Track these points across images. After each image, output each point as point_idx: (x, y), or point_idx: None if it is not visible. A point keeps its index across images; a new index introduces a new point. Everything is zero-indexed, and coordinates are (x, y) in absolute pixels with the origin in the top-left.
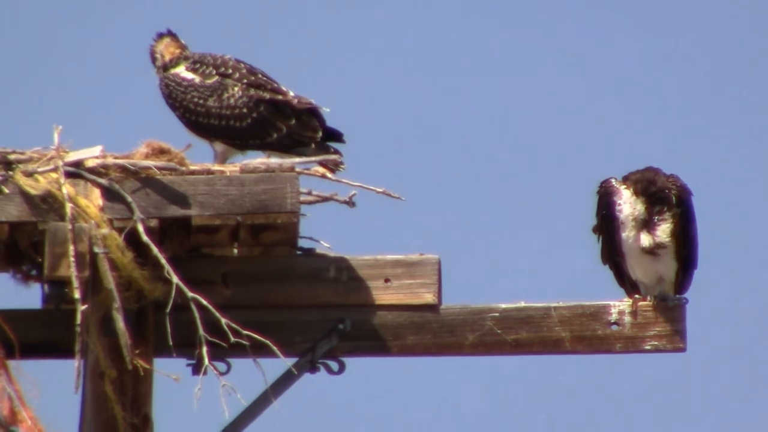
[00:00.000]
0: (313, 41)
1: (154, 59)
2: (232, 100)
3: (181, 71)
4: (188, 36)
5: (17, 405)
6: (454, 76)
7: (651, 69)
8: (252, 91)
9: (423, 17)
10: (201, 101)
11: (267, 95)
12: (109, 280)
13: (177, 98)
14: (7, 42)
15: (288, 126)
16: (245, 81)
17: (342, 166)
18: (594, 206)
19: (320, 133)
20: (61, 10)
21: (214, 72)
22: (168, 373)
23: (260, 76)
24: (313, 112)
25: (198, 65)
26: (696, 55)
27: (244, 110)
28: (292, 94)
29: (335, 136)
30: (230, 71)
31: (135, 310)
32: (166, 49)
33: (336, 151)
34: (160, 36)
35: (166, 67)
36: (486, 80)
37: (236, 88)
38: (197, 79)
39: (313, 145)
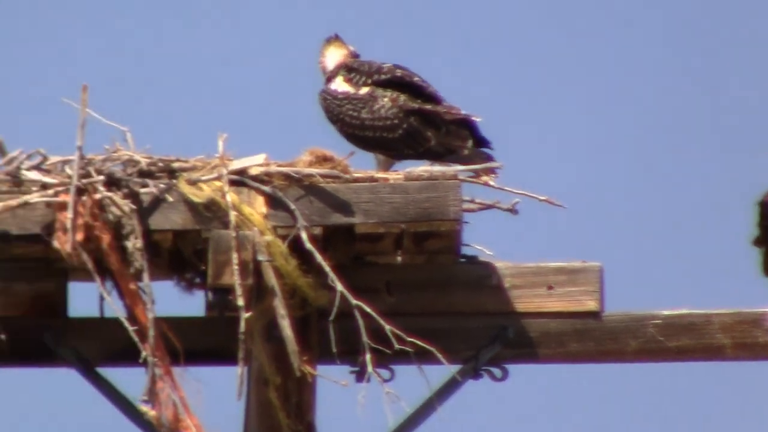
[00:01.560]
0: (464, 44)
1: (320, 66)
2: (383, 111)
3: (339, 83)
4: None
5: (181, 411)
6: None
7: None
8: (402, 101)
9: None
10: (356, 113)
11: (416, 105)
12: (275, 288)
13: (334, 112)
14: (176, 46)
15: (438, 136)
16: (396, 87)
17: (496, 173)
18: (755, 217)
19: (470, 142)
20: (231, 18)
21: (368, 80)
22: (336, 379)
23: (416, 80)
24: (463, 122)
25: (353, 74)
26: None
27: (395, 121)
28: (444, 103)
29: (484, 144)
30: (383, 77)
31: (299, 318)
32: (332, 56)
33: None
34: (328, 41)
35: (329, 78)
36: (643, 83)
37: (386, 99)
38: (351, 90)
39: (465, 152)
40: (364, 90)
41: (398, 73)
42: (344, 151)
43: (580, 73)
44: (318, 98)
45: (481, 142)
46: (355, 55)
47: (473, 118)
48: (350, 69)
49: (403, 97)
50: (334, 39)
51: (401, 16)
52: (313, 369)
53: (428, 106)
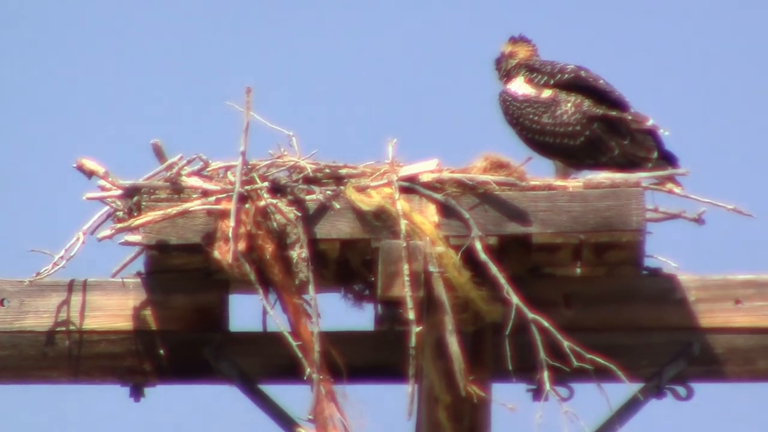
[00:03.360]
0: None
1: (498, 66)
2: (565, 117)
3: (519, 85)
4: None
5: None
6: None
7: None
8: (586, 107)
9: None
10: (536, 118)
11: (600, 111)
12: (445, 301)
13: (514, 115)
14: (342, 49)
15: (621, 146)
16: (580, 90)
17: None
18: None
19: (656, 154)
20: (400, 19)
21: (551, 81)
22: (503, 403)
23: (601, 83)
24: (649, 133)
25: (535, 74)
26: None
27: (578, 128)
28: (631, 111)
29: (670, 160)
30: (566, 76)
31: (471, 333)
32: (515, 54)
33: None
34: (512, 41)
35: (509, 75)
36: None
37: (569, 104)
38: (533, 93)
39: (649, 165)
40: (547, 92)
41: (582, 74)
42: (520, 157)
43: None
44: (497, 99)
45: (666, 156)
46: (536, 54)
47: (660, 131)
48: (532, 69)
49: (587, 102)
50: (519, 38)
51: (582, 15)
52: (488, 387)
53: (613, 113)
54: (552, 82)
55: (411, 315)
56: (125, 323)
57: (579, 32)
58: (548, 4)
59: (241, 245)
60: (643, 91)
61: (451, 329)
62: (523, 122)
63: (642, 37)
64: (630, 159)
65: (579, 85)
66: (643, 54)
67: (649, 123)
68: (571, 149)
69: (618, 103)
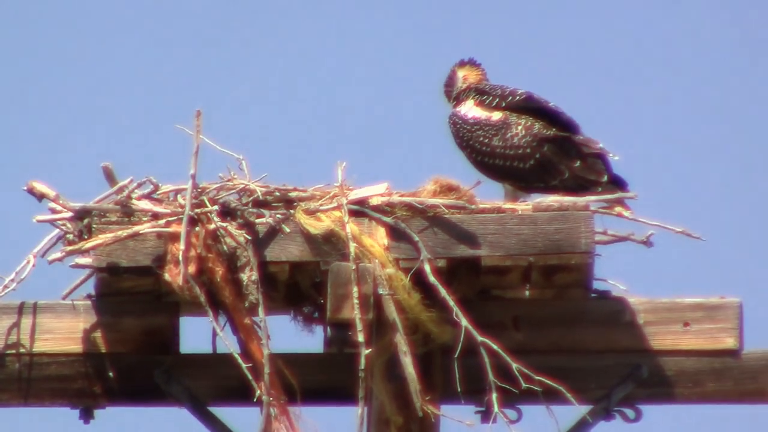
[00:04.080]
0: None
1: (448, 89)
2: (516, 140)
3: (470, 107)
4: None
5: None
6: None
7: None
8: (537, 129)
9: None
10: (486, 140)
11: (551, 133)
12: (397, 323)
13: (464, 138)
14: (291, 71)
15: (571, 169)
16: (532, 112)
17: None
18: None
19: (606, 178)
20: (350, 40)
21: (501, 103)
22: (461, 419)
23: (552, 105)
24: (599, 156)
25: (485, 96)
26: None
27: (528, 150)
28: (581, 135)
29: (620, 184)
30: (517, 98)
31: (421, 355)
32: (465, 77)
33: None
34: (461, 64)
35: (458, 100)
36: None
37: (520, 127)
38: (484, 115)
39: (599, 189)
40: (497, 115)
41: (534, 95)
42: (470, 180)
43: (723, 103)
44: (447, 122)
45: (615, 180)
46: (486, 78)
47: (610, 155)
48: (482, 92)
49: (538, 125)
50: (468, 62)
51: (529, 41)
52: (437, 408)
53: (564, 134)
54: (503, 104)
55: (360, 337)
56: (75, 346)
57: (525, 57)
58: (493, 28)
59: (192, 268)
60: (591, 115)
61: (405, 350)
62: (473, 145)
63: (587, 59)
64: (580, 182)
65: (530, 107)
66: (590, 78)
67: (599, 146)
68: (521, 172)
69: (568, 126)
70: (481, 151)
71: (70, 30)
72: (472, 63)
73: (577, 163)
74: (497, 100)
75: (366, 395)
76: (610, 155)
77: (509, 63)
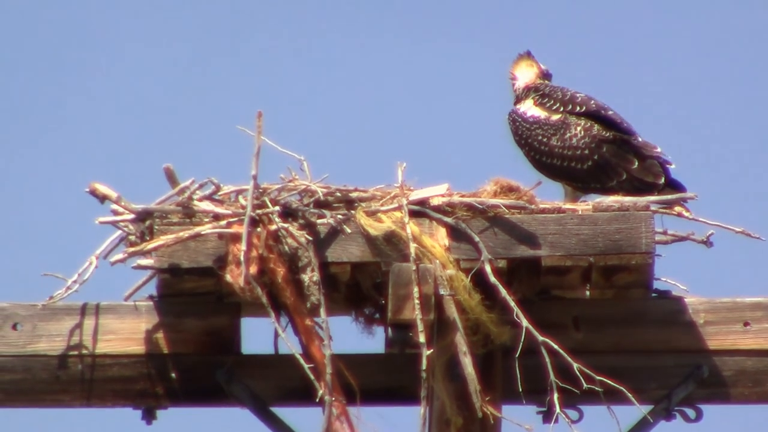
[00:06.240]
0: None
1: (511, 84)
2: (574, 140)
3: (529, 106)
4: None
5: None
6: None
7: None
8: (596, 131)
9: None
10: (545, 140)
11: (611, 135)
12: (458, 323)
13: (523, 135)
14: (354, 74)
15: (629, 171)
16: (590, 118)
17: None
18: None
19: (663, 180)
20: (410, 44)
21: (561, 108)
22: (520, 423)
23: (611, 113)
24: (657, 160)
25: (546, 99)
26: None
27: (586, 151)
28: (639, 139)
29: (677, 187)
30: (578, 108)
31: (482, 355)
32: (523, 74)
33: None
34: (520, 57)
35: (518, 98)
36: None
37: (579, 128)
38: (543, 115)
39: (656, 192)
40: (557, 115)
41: (593, 105)
42: (530, 181)
43: None
44: (507, 119)
45: (673, 184)
46: (546, 75)
47: (668, 161)
48: (543, 94)
49: (597, 127)
50: (526, 56)
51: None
52: (498, 409)
53: (624, 136)
54: (563, 109)
55: (422, 338)
56: (137, 347)
57: (587, 60)
58: (556, 27)
59: (253, 269)
60: (648, 118)
61: (465, 350)
62: (532, 143)
63: (648, 60)
64: (637, 184)
65: (590, 114)
66: (649, 80)
67: (657, 150)
68: (578, 173)
69: (627, 132)
70: (539, 150)
71: (136, 28)
72: (530, 57)
73: (635, 165)
74: (558, 104)
75: (428, 395)
76: (668, 161)
77: (569, 59)
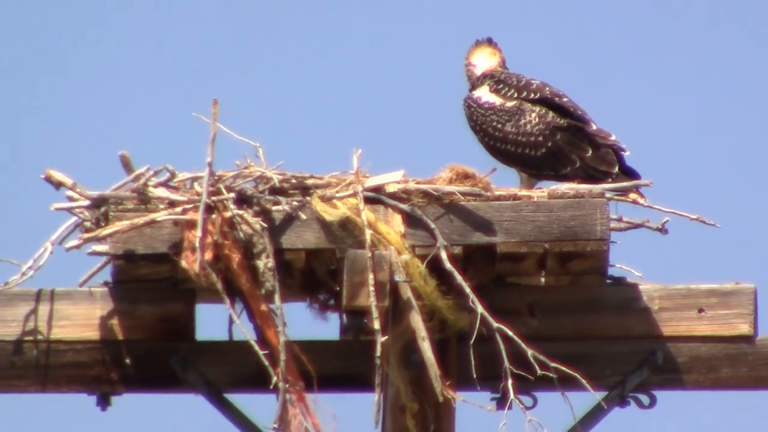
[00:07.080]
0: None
1: (467, 71)
2: (528, 127)
3: (484, 92)
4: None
5: None
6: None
7: None
8: (550, 118)
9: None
10: (500, 126)
11: (565, 122)
12: (415, 309)
13: (478, 121)
14: (306, 59)
15: (583, 159)
16: (545, 105)
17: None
18: None
19: (617, 169)
20: (363, 27)
21: (516, 95)
22: (481, 404)
23: (565, 100)
24: (611, 148)
25: (501, 86)
26: None
27: (540, 138)
28: (594, 126)
29: (632, 175)
30: (532, 95)
31: (437, 341)
32: (483, 61)
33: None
34: (479, 44)
35: (473, 85)
36: None
37: (534, 114)
38: (498, 101)
39: (609, 180)
40: (512, 102)
41: (547, 91)
42: (485, 168)
43: (736, 90)
44: (462, 105)
45: (627, 172)
46: (503, 64)
47: (622, 148)
48: (498, 80)
49: (551, 114)
50: (487, 43)
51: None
52: (455, 394)
53: (578, 124)
54: (518, 96)
55: (376, 324)
56: (92, 333)
57: (542, 41)
58: (513, 12)
59: (208, 255)
60: (604, 104)
61: (424, 335)
62: (486, 129)
63: (604, 46)
64: (591, 172)
65: (545, 102)
66: (605, 65)
67: (612, 138)
68: (532, 159)
69: (581, 120)
70: (494, 136)
71: (87, 19)
72: (491, 44)
73: (589, 153)
74: (512, 91)
75: (382, 382)
76: (623, 147)
77: (526, 44)
